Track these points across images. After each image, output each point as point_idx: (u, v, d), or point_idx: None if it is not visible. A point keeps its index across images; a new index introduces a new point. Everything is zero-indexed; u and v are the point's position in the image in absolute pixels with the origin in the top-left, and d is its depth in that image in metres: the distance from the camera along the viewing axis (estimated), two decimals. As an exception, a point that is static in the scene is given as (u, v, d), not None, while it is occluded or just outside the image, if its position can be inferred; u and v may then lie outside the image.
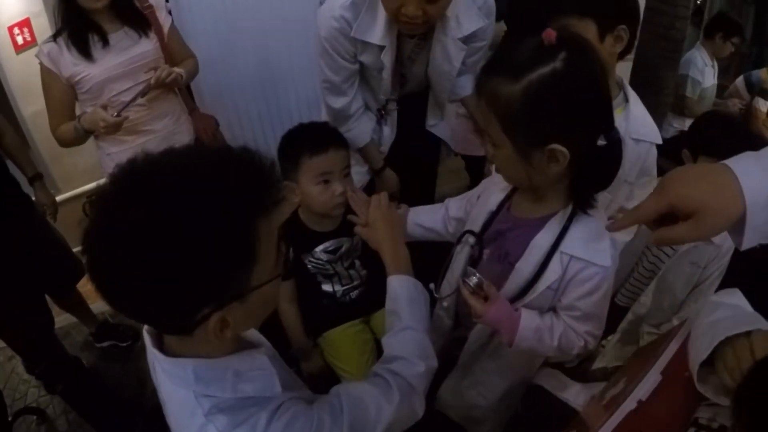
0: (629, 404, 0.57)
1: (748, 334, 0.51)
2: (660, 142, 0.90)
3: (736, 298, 0.61)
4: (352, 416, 0.56)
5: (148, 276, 0.41)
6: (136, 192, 0.41)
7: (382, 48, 1.02)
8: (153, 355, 0.52)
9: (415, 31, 0.99)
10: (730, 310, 0.58)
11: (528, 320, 0.70)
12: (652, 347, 0.70)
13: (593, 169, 0.64)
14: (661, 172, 1.30)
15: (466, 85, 1.20)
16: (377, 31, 0.99)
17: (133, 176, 0.43)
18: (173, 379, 0.52)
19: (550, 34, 0.58)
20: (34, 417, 1.58)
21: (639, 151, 0.87)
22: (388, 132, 1.24)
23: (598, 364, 1.25)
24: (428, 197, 1.43)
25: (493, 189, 0.79)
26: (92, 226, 0.42)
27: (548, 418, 0.83)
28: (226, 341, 0.51)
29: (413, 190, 1.35)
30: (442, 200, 0.93)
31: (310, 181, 0.89)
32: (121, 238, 0.40)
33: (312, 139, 0.90)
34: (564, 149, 0.59)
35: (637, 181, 0.90)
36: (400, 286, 0.73)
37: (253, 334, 0.63)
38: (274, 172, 0.48)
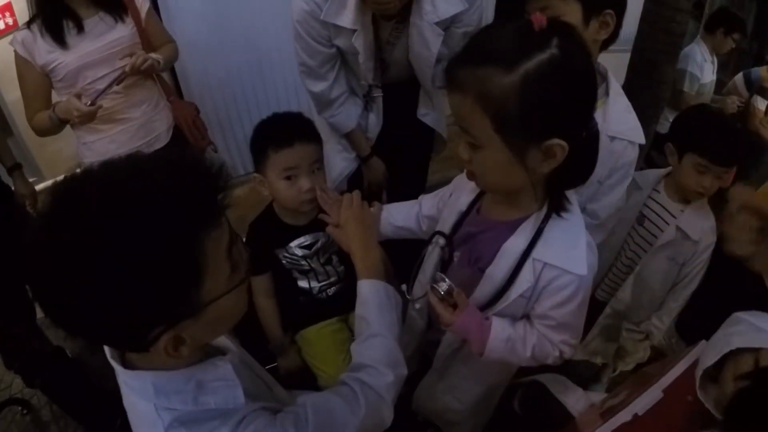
0: (624, 416, 0.56)
1: (757, 350, 0.49)
2: (642, 141, 0.84)
3: (762, 320, 0.58)
4: (317, 427, 0.55)
5: (91, 301, 0.39)
6: (72, 215, 0.39)
7: (354, 32, 0.98)
8: (117, 372, 0.51)
9: (389, 12, 0.95)
10: (750, 327, 0.56)
11: (499, 330, 0.66)
12: (660, 366, 0.68)
13: (575, 164, 0.59)
14: (654, 166, 1.25)
15: None
16: (347, 14, 0.95)
17: (70, 196, 0.41)
18: (134, 391, 0.51)
19: (540, 19, 0.52)
20: (19, 408, 1.57)
21: (613, 149, 0.81)
22: (374, 119, 1.20)
23: (578, 356, 1.24)
24: (418, 188, 1.40)
25: (464, 188, 0.75)
26: (32, 249, 0.40)
27: (544, 419, 0.82)
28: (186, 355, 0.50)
29: (403, 181, 1.32)
30: (432, 190, 0.90)
31: (277, 176, 0.86)
32: (59, 262, 0.39)
33: (277, 132, 0.86)
34: (563, 143, 0.54)
35: (606, 181, 0.85)
36: (370, 291, 0.71)
37: (221, 339, 0.61)
38: (220, 179, 0.45)
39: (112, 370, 0.51)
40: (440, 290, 0.66)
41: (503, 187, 0.65)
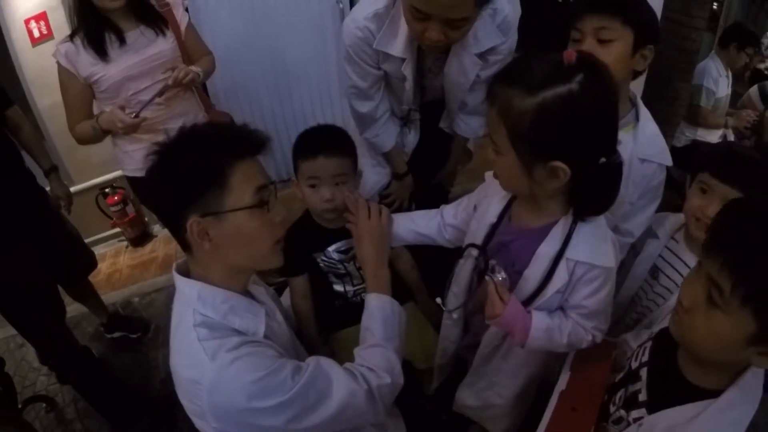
0: (554, 399, 0.72)
1: None
2: (670, 163, 0.88)
3: None
4: (310, 380, 0.62)
5: (163, 185, 0.63)
6: (174, 148, 0.64)
7: (403, 60, 1.04)
8: (175, 279, 0.68)
9: (437, 52, 1.02)
10: None
11: (539, 321, 0.72)
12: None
13: (592, 189, 0.66)
14: (671, 180, 1.25)
15: (474, 125, 1.23)
16: (398, 44, 1.01)
17: (176, 136, 0.65)
18: (181, 298, 0.67)
19: (570, 55, 0.59)
20: (44, 405, 1.61)
21: (645, 171, 0.86)
22: (413, 136, 1.26)
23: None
24: (442, 198, 1.46)
25: (492, 199, 0.80)
26: (152, 166, 0.64)
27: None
28: (228, 271, 0.67)
29: (428, 191, 1.38)
30: (454, 200, 0.94)
31: (303, 182, 0.93)
32: (163, 168, 0.64)
33: (306, 143, 0.93)
34: (565, 167, 0.61)
35: (637, 201, 0.89)
36: (377, 306, 0.79)
37: (277, 314, 0.76)
38: (254, 136, 0.66)
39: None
40: (496, 279, 0.72)
41: (515, 190, 0.74)
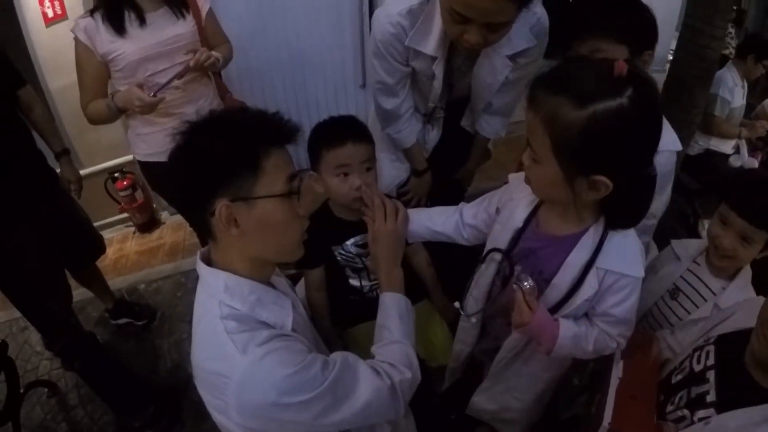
0: (614, 381, 0.73)
1: None
2: (680, 148, 0.89)
3: None
4: (339, 376, 0.62)
5: (192, 168, 0.61)
6: (207, 123, 0.63)
7: (434, 59, 1.02)
8: (198, 268, 0.66)
9: (471, 53, 1.01)
10: None
11: (566, 329, 0.72)
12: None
13: (625, 201, 0.66)
14: (683, 188, 1.24)
15: (497, 126, 1.23)
16: (431, 42, 0.99)
17: (204, 119, 0.63)
18: (206, 288, 0.65)
19: (622, 66, 0.57)
20: (46, 390, 1.60)
21: (658, 161, 0.84)
22: (435, 134, 1.25)
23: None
24: (458, 196, 1.45)
25: (517, 204, 0.79)
26: (176, 148, 0.62)
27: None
28: (251, 262, 0.65)
29: (445, 188, 1.37)
30: (471, 198, 0.94)
31: (330, 173, 0.91)
32: (189, 150, 0.61)
33: (331, 132, 0.91)
34: (608, 182, 0.60)
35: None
36: (392, 304, 0.80)
37: (300, 306, 0.74)
38: (288, 124, 0.64)
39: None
40: (524, 286, 0.71)
41: (550, 198, 0.72)
